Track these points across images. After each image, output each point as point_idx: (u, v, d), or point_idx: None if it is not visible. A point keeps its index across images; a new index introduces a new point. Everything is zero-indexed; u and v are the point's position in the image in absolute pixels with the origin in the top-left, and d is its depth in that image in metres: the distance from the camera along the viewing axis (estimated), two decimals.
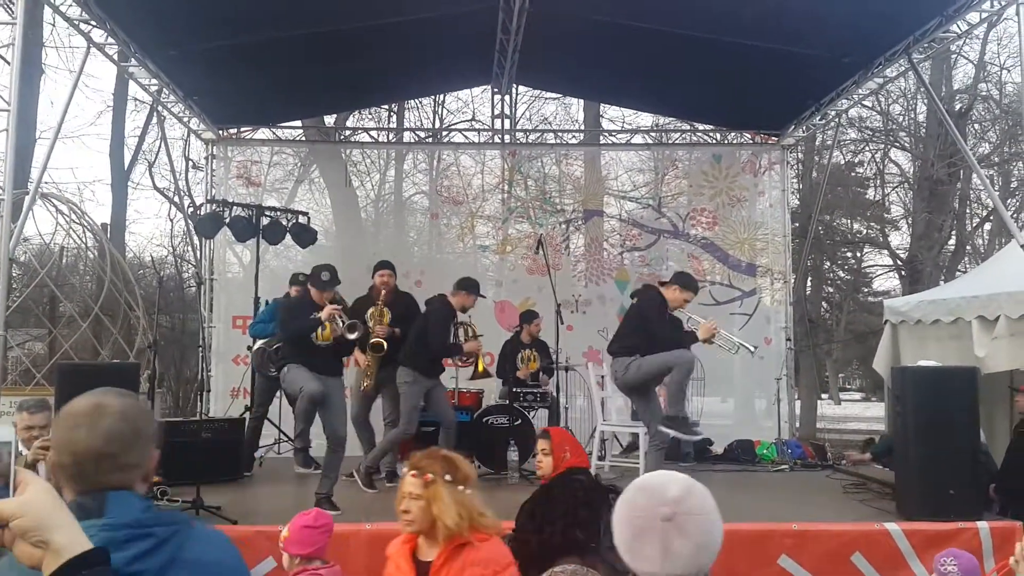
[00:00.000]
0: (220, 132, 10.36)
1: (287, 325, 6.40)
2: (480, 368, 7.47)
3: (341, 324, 6.12)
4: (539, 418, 8.12)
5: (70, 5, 6.74)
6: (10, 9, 11.82)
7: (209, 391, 9.71)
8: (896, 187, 20.00)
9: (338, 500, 6.01)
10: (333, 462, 6.08)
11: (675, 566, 1.54)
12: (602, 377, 8.42)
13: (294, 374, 6.08)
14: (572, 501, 3.48)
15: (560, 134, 13.51)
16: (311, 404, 5.97)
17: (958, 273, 16.37)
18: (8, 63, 6.63)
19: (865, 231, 20.57)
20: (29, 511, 1.20)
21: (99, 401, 1.58)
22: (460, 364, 7.78)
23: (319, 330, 6.10)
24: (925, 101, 16.75)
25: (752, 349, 6.89)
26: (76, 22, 7.08)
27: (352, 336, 6.13)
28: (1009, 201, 17.22)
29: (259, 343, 7.88)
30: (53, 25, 13.74)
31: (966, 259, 18.41)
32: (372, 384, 7.22)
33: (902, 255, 18.36)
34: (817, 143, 17.11)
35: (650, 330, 6.28)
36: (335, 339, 6.13)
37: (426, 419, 7.17)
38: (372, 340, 6.94)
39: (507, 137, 11.15)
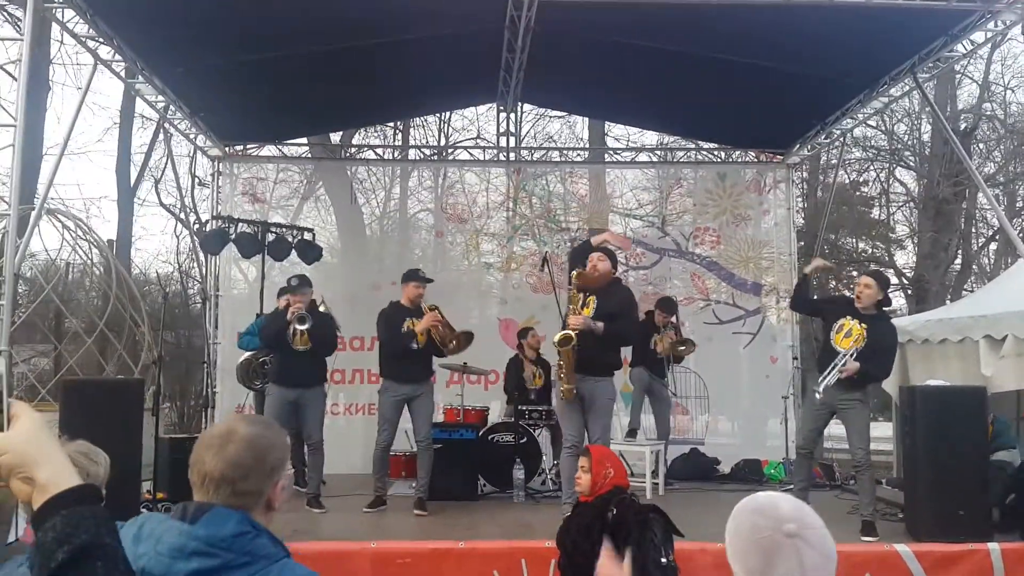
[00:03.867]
0: (226, 149, 10.38)
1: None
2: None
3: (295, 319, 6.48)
4: (544, 437, 8.07)
5: (77, 22, 6.75)
6: (18, 26, 11.91)
7: (214, 408, 9.66)
8: (901, 206, 19.99)
9: (343, 520, 6.01)
10: (317, 463, 6.70)
11: None
12: None
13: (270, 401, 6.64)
14: (632, 521, 3.59)
15: (565, 152, 13.57)
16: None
17: (964, 292, 16.32)
18: (15, 79, 6.66)
19: (871, 250, 20.52)
20: (13, 447, 1.16)
21: (231, 427, 1.69)
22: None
23: (295, 336, 6.47)
24: (930, 121, 16.75)
25: None
26: (83, 39, 7.11)
27: (302, 327, 6.48)
28: (1015, 220, 17.17)
29: (245, 355, 7.98)
30: (61, 42, 13.84)
31: (972, 278, 18.36)
32: (571, 388, 5.89)
33: (908, 274, 18.31)
34: (822, 162, 17.11)
35: None
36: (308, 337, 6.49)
37: (439, 435, 7.10)
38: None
39: (512, 155, 11.15)
